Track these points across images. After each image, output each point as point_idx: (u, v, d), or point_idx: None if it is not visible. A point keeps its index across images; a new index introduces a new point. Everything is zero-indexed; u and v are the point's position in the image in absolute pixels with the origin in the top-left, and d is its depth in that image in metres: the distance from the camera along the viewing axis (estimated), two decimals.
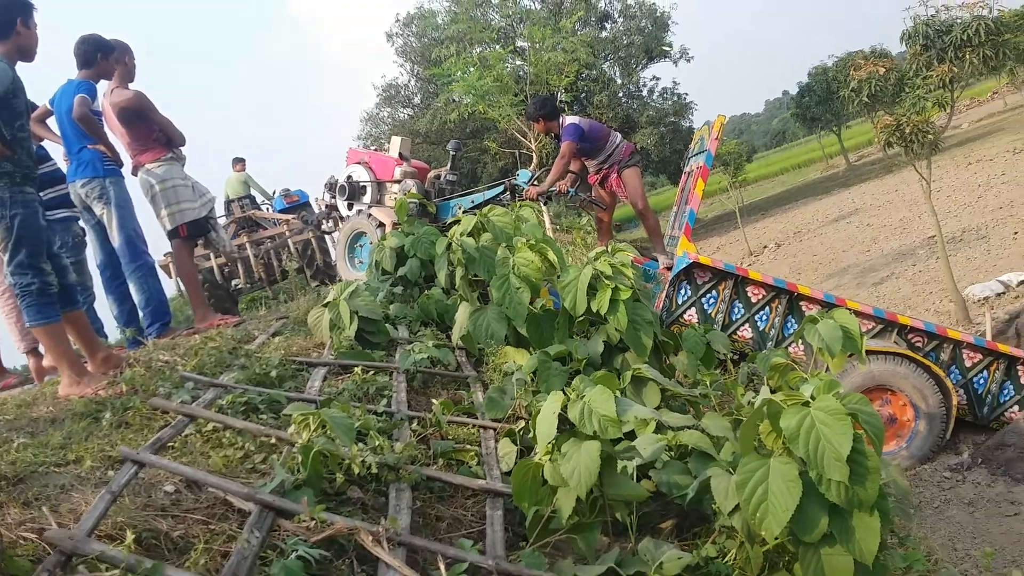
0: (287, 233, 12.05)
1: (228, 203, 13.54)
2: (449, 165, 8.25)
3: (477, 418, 4.00)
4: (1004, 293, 9.72)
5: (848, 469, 2.46)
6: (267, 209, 13.80)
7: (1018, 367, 6.31)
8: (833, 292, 9.60)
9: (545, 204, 7.75)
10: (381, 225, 7.59)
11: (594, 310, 4.42)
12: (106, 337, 6.03)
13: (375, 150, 9.31)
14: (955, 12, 9.76)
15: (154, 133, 5.80)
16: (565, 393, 3.04)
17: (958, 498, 5.25)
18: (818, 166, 47.95)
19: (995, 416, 6.35)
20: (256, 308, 8.93)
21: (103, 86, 5.71)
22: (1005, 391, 6.35)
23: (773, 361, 3.93)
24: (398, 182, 7.94)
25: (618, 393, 3.08)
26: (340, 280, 7.59)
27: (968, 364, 6.34)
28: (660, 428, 3.43)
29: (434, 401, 3.89)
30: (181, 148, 6.03)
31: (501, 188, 7.45)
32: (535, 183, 7.23)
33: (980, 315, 8.88)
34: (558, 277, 4.70)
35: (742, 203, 29.96)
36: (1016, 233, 12.52)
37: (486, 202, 7.21)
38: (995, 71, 11.77)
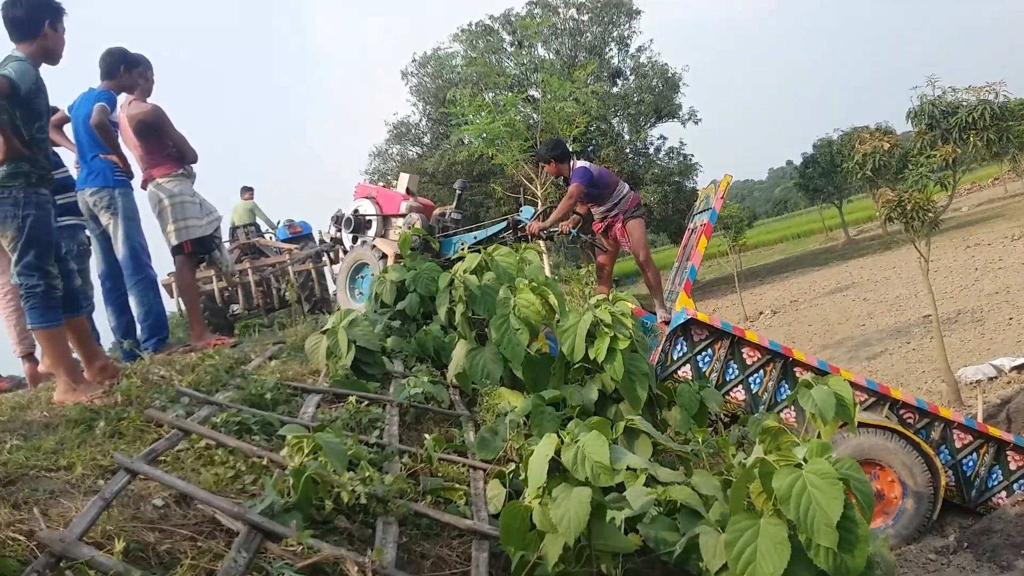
0: (288, 261, 12.11)
1: (233, 229, 13.67)
2: (455, 203, 8.28)
3: (468, 457, 3.99)
4: (996, 377, 9.75)
5: (838, 535, 2.46)
6: (270, 238, 13.90)
7: (1007, 452, 6.28)
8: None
9: (547, 240, 7.76)
10: (384, 256, 7.61)
11: (591, 357, 4.43)
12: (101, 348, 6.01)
13: (383, 186, 9.43)
14: (961, 94, 9.95)
15: (167, 148, 5.84)
16: (560, 436, 3.04)
17: None
18: (818, 237, 48.47)
19: (983, 500, 6.28)
20: (250, 335, 8.92)
21: (121, 99, 5.78)
22: (993, 475, 6.29)
23: (765, 424, 3.92)
24: (403, 216, 7.98)
25: (612, 441, 3.08)
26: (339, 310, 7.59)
27: (958, 445, 6.29)
28: (650, 482, 3.43)
29: (426, 436, 3.87)
30: (192, 165, 6.08)
31: (504, 224, 7.47)
32: (539, 219, 7.26)
33: (972, 397, 8.89)
34: (557, 322, 4.71)
35: (740, 268, 30.18)
36: (1011, 319, 12.61)
37: (489, 238, 7.24)
38: (998, 156, 11.93)
